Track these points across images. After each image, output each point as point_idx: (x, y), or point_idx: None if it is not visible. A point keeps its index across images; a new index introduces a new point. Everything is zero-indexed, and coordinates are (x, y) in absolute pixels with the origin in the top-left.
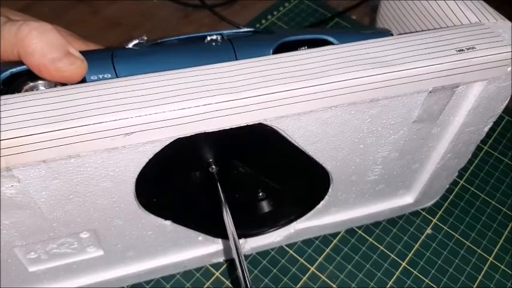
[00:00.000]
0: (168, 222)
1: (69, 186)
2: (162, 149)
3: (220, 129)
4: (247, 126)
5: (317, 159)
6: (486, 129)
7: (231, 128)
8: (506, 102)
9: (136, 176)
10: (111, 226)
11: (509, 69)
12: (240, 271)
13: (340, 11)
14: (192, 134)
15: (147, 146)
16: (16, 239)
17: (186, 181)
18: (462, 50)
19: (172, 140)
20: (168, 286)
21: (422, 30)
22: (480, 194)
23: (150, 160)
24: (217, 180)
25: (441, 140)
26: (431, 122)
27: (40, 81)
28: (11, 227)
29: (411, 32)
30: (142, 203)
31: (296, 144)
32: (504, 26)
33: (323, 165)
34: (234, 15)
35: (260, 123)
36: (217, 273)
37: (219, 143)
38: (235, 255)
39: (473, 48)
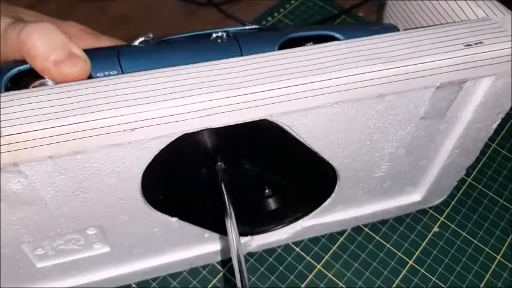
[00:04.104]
0: (174, 219)
1: (75, 182)
2: (168, 145)
3: (225, 125)
4: (253, 122)
5: (323, 156)
6: (494, 125)
7: (236, 124)
8: None
9: (142, 173)
10: (118, 223)
11: None
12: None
13: (347, 8)
14: (197, 129)
15: (152, 142)
16: (24, 235)
17: (192, 178)
18: (470, 44)
19: (177, 136)
20: (174, 283)
21: (429, 26)
22: (488, 192)
23: (155, 156)
24: (222, 182)
25: (449, 137)
26: (438, 118)
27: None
28: (18, 223)
29: (418, 28)
30: (148, 199)
31: (302, 140)
32: None
33: (329, 161)
34: (240, 13)
35: (265, 120)
36: (223, 271)
37: (225, 139)
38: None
39: (481, 43)
